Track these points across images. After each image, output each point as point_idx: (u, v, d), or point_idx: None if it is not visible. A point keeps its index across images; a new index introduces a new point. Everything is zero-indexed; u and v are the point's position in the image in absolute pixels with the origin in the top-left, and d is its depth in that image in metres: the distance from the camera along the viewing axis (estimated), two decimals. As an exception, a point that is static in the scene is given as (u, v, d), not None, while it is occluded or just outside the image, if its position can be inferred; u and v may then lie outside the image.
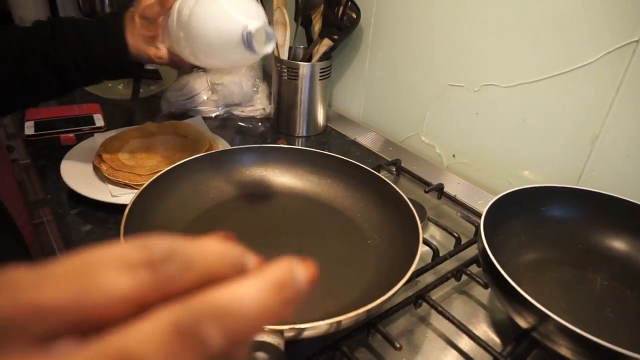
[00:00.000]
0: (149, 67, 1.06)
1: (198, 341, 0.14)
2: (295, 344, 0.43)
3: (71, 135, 0.82)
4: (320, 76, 0.87)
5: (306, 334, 0.38)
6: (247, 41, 0.49)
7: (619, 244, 0.56)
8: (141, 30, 0.57)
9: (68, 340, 0.13)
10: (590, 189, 0.57)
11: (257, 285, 0.16)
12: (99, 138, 0.78)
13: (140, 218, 0.51)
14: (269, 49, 0.51)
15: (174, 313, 0.14)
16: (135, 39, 0.58)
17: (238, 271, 0.17)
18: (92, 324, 0.14)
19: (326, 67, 0.88)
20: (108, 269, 0.14)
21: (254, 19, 0.49)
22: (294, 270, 0.17)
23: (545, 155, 0.67)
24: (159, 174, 0.56)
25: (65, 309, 0.13)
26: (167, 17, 0.57)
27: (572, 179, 0.65)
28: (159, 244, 0.15)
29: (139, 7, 0.57)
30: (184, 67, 0.62)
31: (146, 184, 0.54)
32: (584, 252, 0.56)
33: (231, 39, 0.50)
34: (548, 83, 0.64)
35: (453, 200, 0.71)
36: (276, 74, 0.89)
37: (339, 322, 0.38)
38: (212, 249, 0.16)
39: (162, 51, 0.60)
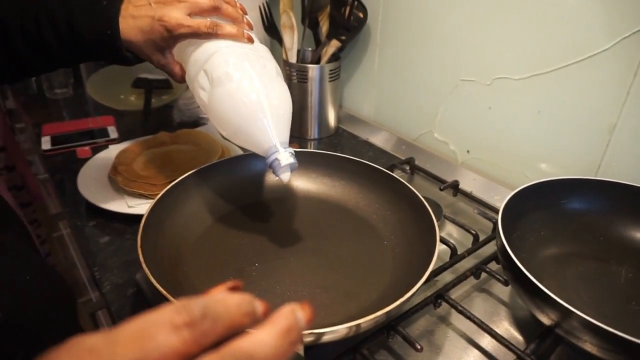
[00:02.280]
0: (158, 76, 1.07)
1: None
2: (315, 348, 0.43)
3: (87, 148, 0.84)
4: (330, 77, 0.87)
5: (325, 338, 0.38)
6: (271, 164, 0.49)
7: (642, 235, 0.55)
8: (156, 36, 0.50)
9: None
10: (610, 180, 0.56)
11: (271, 333, 0.20)
12: (113, 150, 0.80)
13: (157, 227, 0.51)
14: (285, 177, 0.50)
15: None
16: (139, 35, 0.50)
17: (252, 318, 0.21)
18: None
19: (335, 69, 0.88)
20: (161, 331, 0.18)
21: (286, 148, 0.49)
22: (296, 316, 0.22)
23: (562, 147, 0.66)
24: (173, 183, 0.56)
25: None
26: (193, 45, 0.52)
27: (591, 170, 0.64)
28: (195, 306, 0.19)
29: (163, 13, 0.49)
30: (179, 81, 0.57)
31: (161, 193, 0.54)
32: (607, 245, 0.55)
33: (258, 146, 0.49)
34: (562, 73, 0.63)
35: (469, 196, 0.70)
36: (285, 77, 0.89)
37: (358, 326, 0.38)
38: (232, 302, 0.21)
39: (168, 61, 0.54)
